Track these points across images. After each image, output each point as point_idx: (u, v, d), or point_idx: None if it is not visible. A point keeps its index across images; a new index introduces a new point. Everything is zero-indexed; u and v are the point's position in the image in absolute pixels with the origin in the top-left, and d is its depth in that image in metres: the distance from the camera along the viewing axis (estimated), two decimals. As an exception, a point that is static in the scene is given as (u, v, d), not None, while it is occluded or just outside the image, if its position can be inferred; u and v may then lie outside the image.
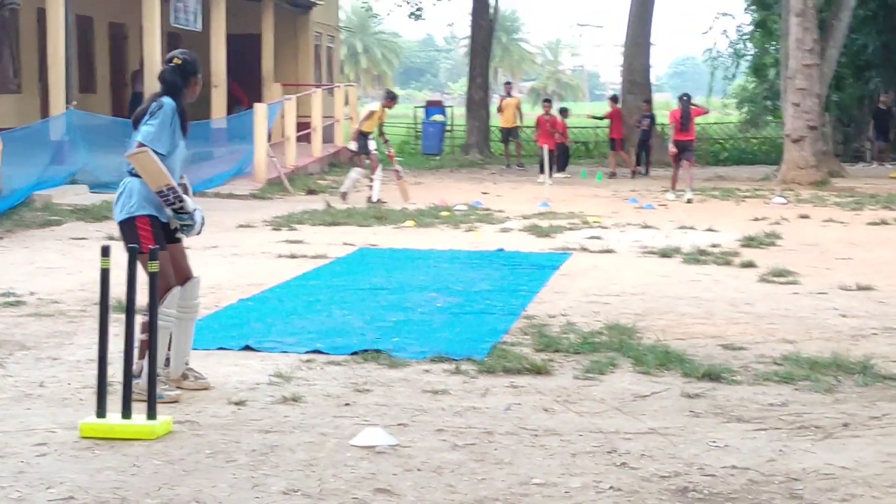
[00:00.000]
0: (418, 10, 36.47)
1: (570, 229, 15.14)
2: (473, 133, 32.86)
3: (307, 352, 7.67)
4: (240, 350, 7.75)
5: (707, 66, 36.13)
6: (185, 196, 6.54)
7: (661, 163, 26.51)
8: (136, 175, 6.51)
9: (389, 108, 19.43)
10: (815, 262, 12.13)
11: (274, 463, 5.37)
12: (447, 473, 5.26)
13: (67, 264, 11.56)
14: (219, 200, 18.42)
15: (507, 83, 33.52)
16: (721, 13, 35.16)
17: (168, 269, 6.51)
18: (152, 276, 5.90)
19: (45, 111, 19.53)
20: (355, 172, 19.06)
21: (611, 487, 5.09)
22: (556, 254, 12.73)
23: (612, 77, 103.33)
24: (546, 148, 22.33)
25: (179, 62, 6.70)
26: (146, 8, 20.58)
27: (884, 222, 16.08)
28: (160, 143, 6.48)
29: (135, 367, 6.16)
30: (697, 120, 21.76)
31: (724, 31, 35.26)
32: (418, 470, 5.31)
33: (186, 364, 6.75)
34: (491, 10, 33.49)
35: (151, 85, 6.94)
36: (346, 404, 6.41)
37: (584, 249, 13.03)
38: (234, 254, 12.51)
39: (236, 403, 6.36)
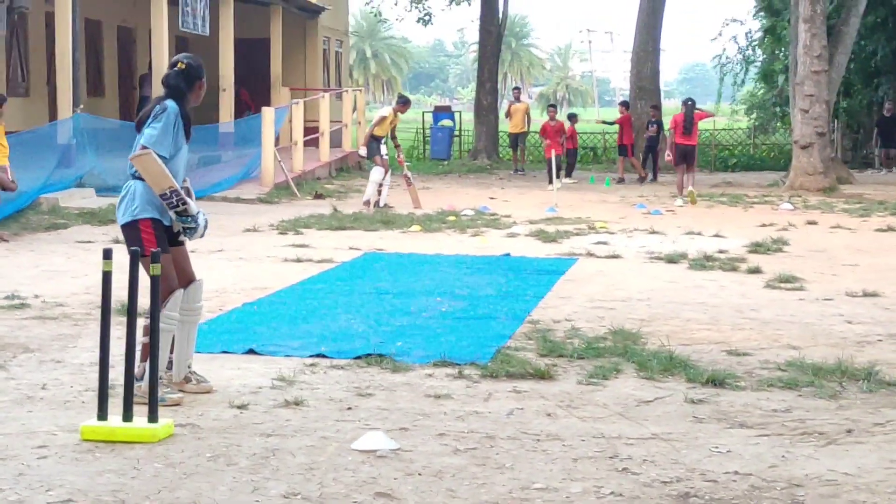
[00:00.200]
0: (427, 15, 36.49)
1: (577, 234, 15.13)
2: (482, 138, 32.82)
3: (311, 356, 7.66)
4: (243, 354, 7.74)
5: (716, 72, 36.08)
6: (188, 199, 6.55)
7: (669, 168, 26.46)
8: (140, 178, 6.52)
9: (402, 112, 19.31)
10: (821, 269, 12.10)
11: (274, 466, 5.36)
12: (448, 478, 5.25)
13: (73, 267, 11.57)
14: (226, 204, 18.46)
15: (516, 88, 33.55)
16: (730, 19, 35.09)
17: (171, 273, 6.51)
18: (154, 280, 5.90)
19: (52, 115, 19.58)
20: (376, 174, 18.55)
21: (612, 493, 5.07)
22: (563, 259, 12.72)
23: (622, 83, 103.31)
24: (553, 153, 22.31)
25: (184, 66, 6.71)
26: (154, 12, 20.61)
27: (891, 229, 16.03)
28: (163, 147, 6.48)
29: (136, 370, 6.17)
30: (705, 126, 21.68)
31: (734, 37, 35.18)
32: (419, 474, 5.29)
33: (189, 367, 6.75)
34: (500, 16, 33.50)
35: (159, 89, 6.95)
36: (349, 408, 6.41)
37: (591, 255, 13.03)
38: (239, 257, 12.51)
39: (238, 407, 6.35)
